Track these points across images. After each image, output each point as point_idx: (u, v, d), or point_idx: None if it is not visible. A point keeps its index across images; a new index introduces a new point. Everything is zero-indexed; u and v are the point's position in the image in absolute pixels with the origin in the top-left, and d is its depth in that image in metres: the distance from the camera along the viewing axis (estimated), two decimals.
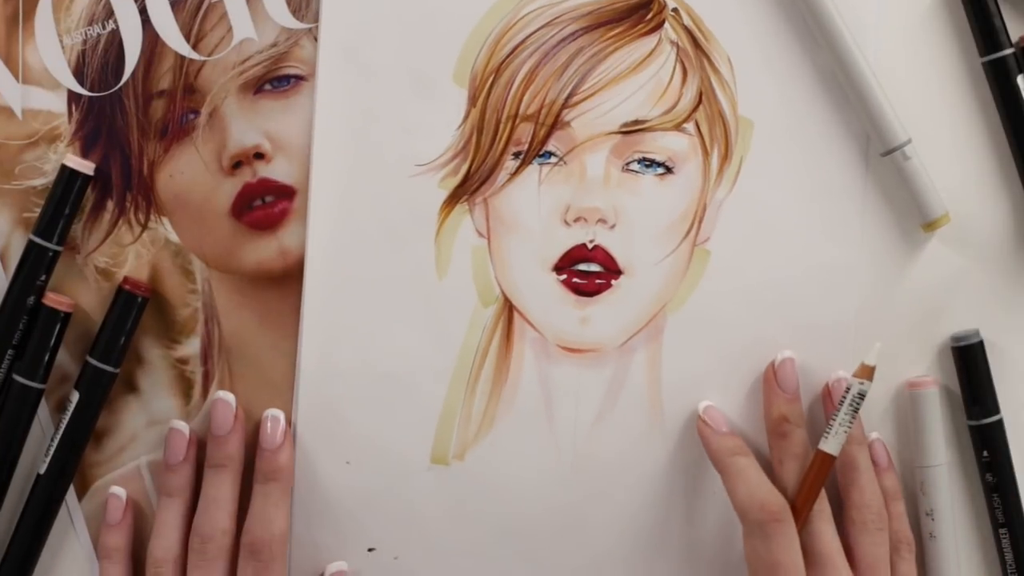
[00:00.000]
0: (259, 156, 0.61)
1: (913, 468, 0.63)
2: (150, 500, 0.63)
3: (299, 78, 0.61)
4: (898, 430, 0.64)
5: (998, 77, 0.62)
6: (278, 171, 0.61)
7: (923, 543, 0.63)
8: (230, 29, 0.61)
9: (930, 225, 0.62)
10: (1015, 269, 0.64)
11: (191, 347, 0.62)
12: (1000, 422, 0.63)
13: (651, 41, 0.62)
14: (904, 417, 0.64)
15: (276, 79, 0.61)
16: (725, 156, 0.62)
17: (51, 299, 0.61)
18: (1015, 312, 0.64)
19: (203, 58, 0.61)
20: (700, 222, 0.62)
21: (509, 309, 0.62)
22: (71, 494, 0.62)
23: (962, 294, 0.63)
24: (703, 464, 0.63)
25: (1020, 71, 0.61)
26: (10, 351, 0.61)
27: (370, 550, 0.63)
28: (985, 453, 0.63)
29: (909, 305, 0.63)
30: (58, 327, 0.61)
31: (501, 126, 0.61)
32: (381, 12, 0.61)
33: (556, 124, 0.61)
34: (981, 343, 0.63)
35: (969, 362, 0.63)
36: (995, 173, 0.63)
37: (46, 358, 0.61)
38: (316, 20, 0.61)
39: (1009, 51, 0.61)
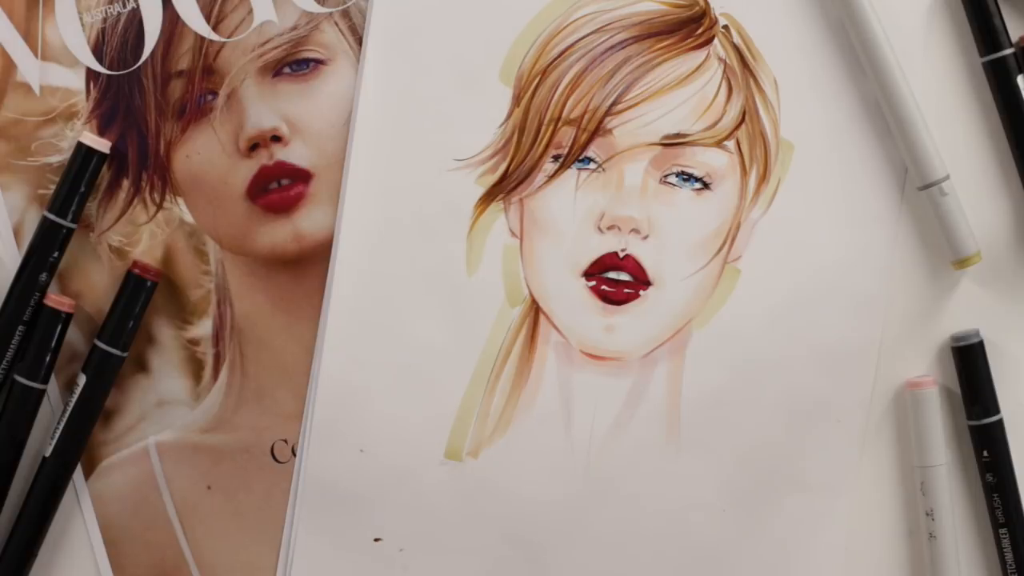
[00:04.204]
0: (276, 139, 0.61)
1: (913, 468, 0.64)
2: (157, 482, 0.62)
3: (319, 62, 0.62)
4: (898, 430, 0.64)
5: (998, 77, 0.63)
6: (295, 154, 0.61)
7: (923, 543, 0.64)
8: (251, 11, 0.61)
9: (961, 262, 0.63)
10: (1015, 269, 0.64)
11: (203, 328, 0.62)
12: (1000, 422, 0.63)
13: (699, 56, 0.62)
14: (904, 417, 0.64)
15: (295, 63, 0.61)
16: (763, 176, 0.63)
17: (52, 300, 0.60)
18: (1015, 312, 0.65)
19: (223, 39, 0.61)
20: (733, 240, 0.63)
21: (535, 311, 0.63)
22: (78, 472, 0.62)
23: (962, 294, 0.64)
24: (716, 480, 0.63)
25: (1020, 71, 0.62)
26: (21, 327, 0.60)
27: (376, 540, 0.63)
28: (985, 453, 0.63)
29: (909, 305, 0.64)
30: (59, 328, 0.60)
31: (543, 128, 0.62)
32: (432, 4, 0.62)
33: (598, 130, 0.62)
34: (981, 343, 0.63)
35: (969, 362, 0.63)
36: (995, 174, 0.64)
37: (47, 359, 0.60)
38: (338, 5, 0.62)
39: (1009, 51, 0.62)
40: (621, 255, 0.62)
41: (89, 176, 0.60)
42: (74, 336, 0.62)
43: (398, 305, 0.62)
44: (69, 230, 0.60)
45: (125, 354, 0.61)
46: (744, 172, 0.63)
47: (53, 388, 0.62)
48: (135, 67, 0.61)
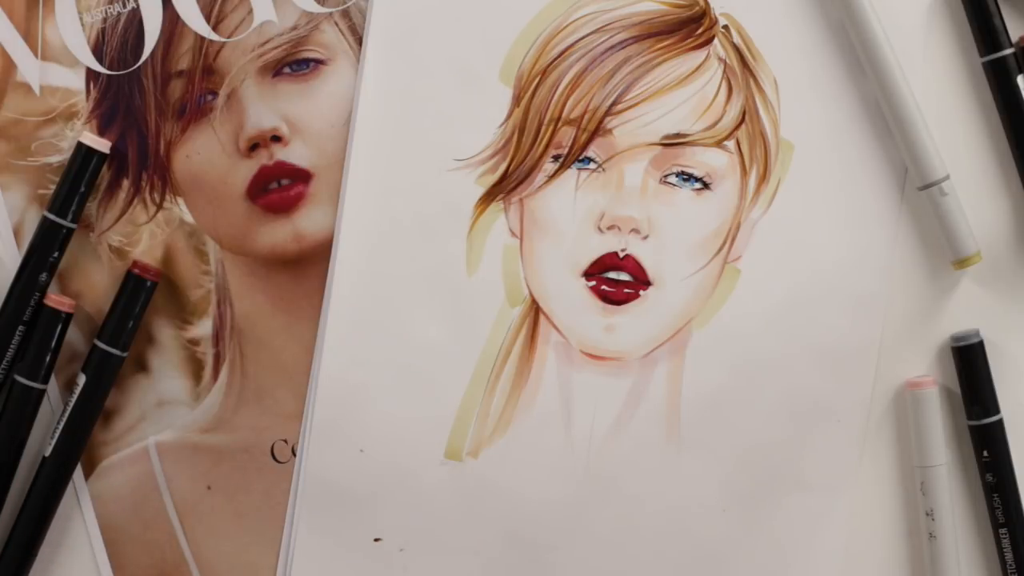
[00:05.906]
0: (276, 139, 0.62)
1: (913, 468, 0.64)
2: (157, 482, 0.62)
3: (318, 62, 0.62)
4: (898, 430, 0.64)
5: (998, 77, 0.63)
6: (295, 154, 0.62)
7: (923, 543, 0.64)
8: (251, 11, 0.61)
9: (961, 262, 0.63)
10: (1015, 269, 0.65)
11: (203, 328, 0.62)
12: (1000, 422, 0.63)
13: (699, 56, 0.62)
14: (904, 417, 0.64)
15: (295, 63, 0.62)
16: (763, 176, 0.63)
17: (52, 300, 0.60)
18: (1015, 312, 0.65)
19: (223, 39, 0.61)
20: (733, 240, 0.63)
21: (535, 311, 0.63)
22: (78, 472, 0.62)
23: (962, 294, 0.64)
24: (716, 480, 0.63)
25: (1020, 71, 0.62)
26: (21, 327, 0.60)
27: (376, 540, 0.63)
28: (985, 453, 0.63)
29: (909, 305, 0.64)
30: (59, 328, 0.60)
31: (543, 128, 0.62)
32: (432, 4, 0.62)
33: (598, 130, 0.62)
34: (981, 343, 0.63)
35: (969, 362, 0.63)
36: (995, 174, 0.64)
37: (47, 359, 0.60)
38: (338, 5, 0.62)
39: (1009, 51, 0.62)
40: (621, 255, 0.63)
41: (89, 176, 0.60)
42: (74, 336, 0.62)
43: (398, 305, 0.62)
44: (69, 230, 0.60)
45: (125, 354, 0.61)
46: (744, 172, 0.63)
47: (53, 388, 0.62)
48: (135, 67, 0.61)
